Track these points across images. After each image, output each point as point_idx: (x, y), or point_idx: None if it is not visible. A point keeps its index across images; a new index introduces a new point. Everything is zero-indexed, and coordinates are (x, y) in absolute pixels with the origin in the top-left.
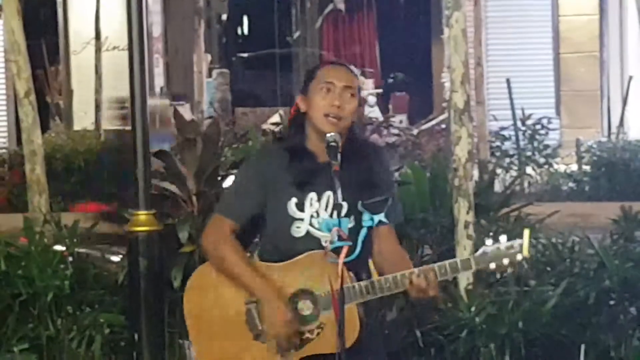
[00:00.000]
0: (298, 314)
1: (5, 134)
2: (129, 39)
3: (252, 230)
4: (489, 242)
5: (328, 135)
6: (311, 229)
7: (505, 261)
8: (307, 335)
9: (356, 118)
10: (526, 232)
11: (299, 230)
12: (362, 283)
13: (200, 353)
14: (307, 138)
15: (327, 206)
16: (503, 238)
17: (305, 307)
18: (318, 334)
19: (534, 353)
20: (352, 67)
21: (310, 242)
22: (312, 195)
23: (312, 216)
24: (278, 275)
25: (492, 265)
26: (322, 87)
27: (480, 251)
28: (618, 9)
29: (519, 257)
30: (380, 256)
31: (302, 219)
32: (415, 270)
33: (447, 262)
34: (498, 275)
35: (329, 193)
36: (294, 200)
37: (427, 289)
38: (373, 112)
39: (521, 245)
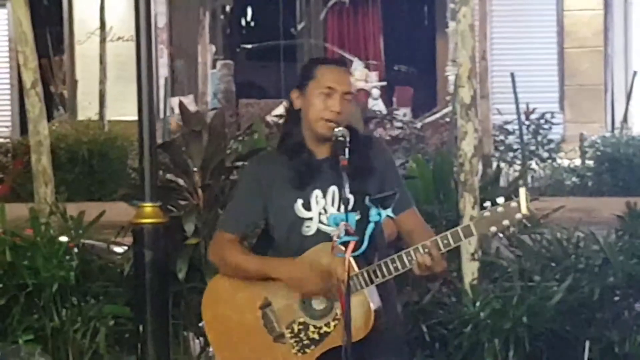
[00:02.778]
0: (313, 308)
1: (9, 124)
2: (136, 28)
3: (267, 237)
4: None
5: (336, 130)
6: (321, 226)
7: (505, 222)
8: (325, 329)
9: (358, 112)
10: (522, 190)
11: (309, 229)
12: (369, 268)
13: None
14: (303, 136)
15: (333, 201)
16: (500, 200)
17: (320, 301)
18: (335, 326)
19: (539, 348)
20: (353, 59)
21: (322, 239)
22: (317, 192)
23: (320, 213)
24: None
25: (493, 229)
26: (322, 92)
27: (478, 216)
28: (623, 4)
29: (518, 216)
30: (411, 238)
31: (310, 218)
32: (419, 246)
33: (448, 232)
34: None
35: (333, 188)
36: (299, 201)
37: (433, 264)
38: (377, 105)
39: (519, 204)
